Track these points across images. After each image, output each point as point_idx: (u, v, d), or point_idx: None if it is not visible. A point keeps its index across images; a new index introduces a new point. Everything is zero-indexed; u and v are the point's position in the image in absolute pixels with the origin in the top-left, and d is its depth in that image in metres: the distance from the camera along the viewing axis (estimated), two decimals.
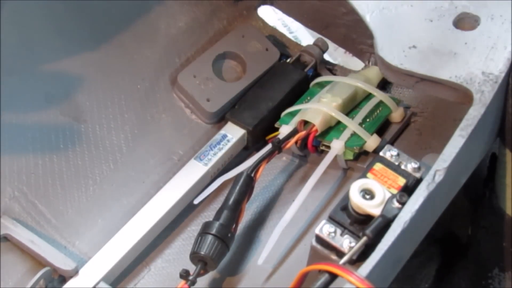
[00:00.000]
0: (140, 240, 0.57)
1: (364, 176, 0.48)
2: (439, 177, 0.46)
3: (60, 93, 0.63)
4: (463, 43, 0.53)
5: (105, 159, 0.61)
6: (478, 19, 0.53)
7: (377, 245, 0.44)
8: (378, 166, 0.49)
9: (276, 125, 0.62)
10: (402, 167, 0.49)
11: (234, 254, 0.58)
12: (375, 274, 0.43)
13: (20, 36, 0.63)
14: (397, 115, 0.62)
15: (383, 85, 0.66)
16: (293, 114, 0.62)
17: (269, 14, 0.75)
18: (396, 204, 0.45)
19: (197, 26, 0.69)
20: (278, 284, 0.56)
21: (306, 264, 0.49)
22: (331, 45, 0.70)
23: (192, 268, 0.53)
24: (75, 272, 0.54)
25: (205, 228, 0.55)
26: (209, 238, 0.54)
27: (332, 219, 0.47)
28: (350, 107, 0.62)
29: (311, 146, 0.60)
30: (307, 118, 0.60)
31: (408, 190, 0.47)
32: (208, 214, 0.61)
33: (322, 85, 0.65)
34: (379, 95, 0.62)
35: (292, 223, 0.57)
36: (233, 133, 0.62)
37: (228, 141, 0.62)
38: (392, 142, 0.61)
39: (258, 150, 0.60)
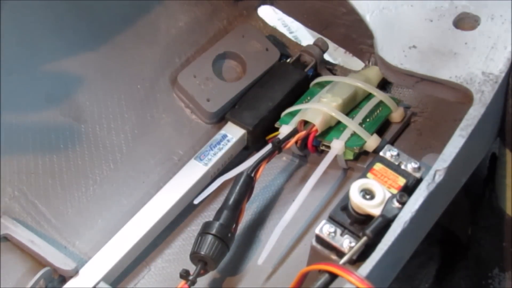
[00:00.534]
0: (140, 240, 0.57)
1: (364, 176, 0.48)
2: (439, 177, 0.46)
3: (60, 93, 0.63)
4: (463, 43, 0.53)
5: (105, 159, 0.61)
6: (478, 19, 0.53)
7: (377, 245, 0.44)
8: (378, 166, 0.49)
9: (276, 125, 0.62)
10: (402, 167, 0.49)
11: (234, 254, 0.58)
12: (375, 274, 0.43)
13: (20, 36, 0.63)
14: (397, 115, 0.62)
15: (383, 85, 0.66)
16: (293, 114, 0.62)
17: (269, 14, 0.75)
18: (396, 204, 0.45)
19: (197, 26, 0.69)
20: (278, 284, 0.56)
21: (306, 264, 0.49)
22: (331, 45, 0.70)
23: (192, 268, 0.53)
24: (75, 272, 0.54)
25: (205, 228, 0.55)
26: (209, 238, 0.54)
27: (332, 219, 0.47)
28: (350, 107, 0.62)
29: (311, 146, 0.60)
30: (307, 118, 0.60)
31: (408, 190, 0.47)
32: (208, 214, 0.61)
33: (322, 85, 0.65)
34: (379, 95, 0.62)
35: (292, 223, 0.57)
36: (233, 133, 0.62)
37: (228, 141, 0.62)
38: (392, 142, 0.61)
39: (258, 150, 0.60)
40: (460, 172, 0.51)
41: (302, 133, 0.60)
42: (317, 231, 0.47)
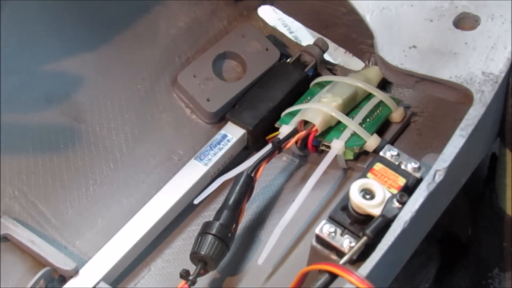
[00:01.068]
0: (140, 240, 0.57)
1: (364, 176, 0.48)
2: (439, 177, 0.46)
3: (60, 93, 0.63)
4: (463, 43, 0.53)
5: (105, 159, 0.61)
6: (478, 19, 0.53)
7: (377, 245, 0.44)
8: (378, 166, 0.49)
9: (276, 125, 0.62)
10: (402, 167, 0.49)
11: (234, 254, 0.58)
12: (375, 274, 0.43)
13: (20, 36, 0.63)
14: (397, 115, 0.62)
15: (383, 85, 0.66)
16: (293, 114, 0.62)
17: (269, 14, 0.75)
18: (396, 204, 0.45)
19: (197, 26, 0.69)
20: (278, 284, 0.56)
21: (306, 264, 0.49)
22: (331, 45, 0.70)
23: (192, 268, 0.53)
24: (75, 272, 0.54)
25: (205, 228, 0.55)
26: (209, 238, 0.54)
27: (332, 219, 0.47)
28: (350, 107, 0.62)
29: (311, 146, 0.60)
30: (307, 118, 0.60)
31: (408, 190, 0.47)
32: (208, 214, 0.61)
33: (322, 85, 0.65)
34: (379, 95, 0.62)
35: (292, 223, 0.56)
36: (233, 133, 0.62)
37: (228, 141, 0.62)
38: (392, 142, 0.61)
39: (258, 150, 0.60)
40: (460, 172, 0.51)
41: (302, 133, 0.60)
42: (317, 231, 0.47)
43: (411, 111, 0.63)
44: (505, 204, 0.58)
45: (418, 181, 0.48)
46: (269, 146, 0.59)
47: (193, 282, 0.52)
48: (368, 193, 0.46)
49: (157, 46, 0.67)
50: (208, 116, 0.65)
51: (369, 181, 0.47)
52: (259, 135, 0.63)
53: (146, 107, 0.65)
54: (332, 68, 0.69)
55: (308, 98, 0.64)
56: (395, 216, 0.45)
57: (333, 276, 0.43)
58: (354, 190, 0.46)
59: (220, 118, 0.65)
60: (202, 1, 0.70)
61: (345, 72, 0.68)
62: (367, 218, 0.46)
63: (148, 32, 0.68)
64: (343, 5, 0.64)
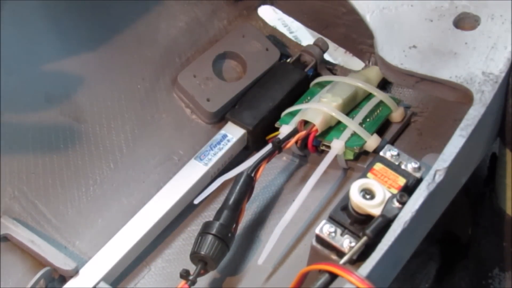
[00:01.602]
0: (140, 240, 0.57)
1: (364, 176, 0.48)
2: (439, 177, 0.46)
3: (60, 93, 0.63)
4: (463, 43, 0.53)
5: (105, 159, 0.61)
6: (478, 19, 0.53)
7: (377, 245, 0.44)
8: (378, 166, 0.49)
9: (276, 125, 0.62)
10: (402, 167, 0.49)
11: (234, 254, 0.58)
12: (375, 274, 0.42)
13: (20, 36, 0.63)
14: (397, 115, 0.62)
15: (383, 85, 0.66)
16: (293, 114, 0.62)
17: (269, 14, 0.75)
18: (396, 204, 0.45)
19: (197, 26, 0.69)
20: (278, 284, 0.56)
21: (306, 264, 0.49)
22: (331, 45, 0.70)
23: (192, 268, 0.53)
24: (75, 272, 0.54)
25: (205, 228, 0.55)
26: (209, 238, 0.54)
27: (332, 219, 0.47)
28: (350, 107, 0.62)
29: (311, 146, 0.60)
30: (307, 118, 0.60)
31: (408, 190, 0.47)
32: (208, 214, 0.61)
33: (322, 85, 0.65)
34: (379, 95, 0.62)
35: (292, 223, 0.57)
36: (233, 133, 0.62)
37: (228, 141, 0.62)
38: (392, 142, 0.61)
39: (258, 150, 0.60)
40: (460, 172, 0.51)
41: (302, 133, 0.60)
42: (317, 231, 0.47)
43: (411, 111, 0.63)
44: (505, 204, 0.58)
45: (418, 181, 0.48)
46: (269, 146, 0.59)
47: (193, 282, 0.52)
48: (368, 193, 0.46)
49: (157, 46, 0.67)
50: (208, 116, 0.65)
51: (369, 181, 0.47)
52: (259, 135, 0.63)
53: (146, 107, 0.65)
54: (332, 68, 0.69)
55: (308, 98, 0.64)
56: (395, 216, 0.45)
57: (333, 276, 0.43)
58: (354, 190, 0.46)
59: (220, 118, 0.65)
60: (202, 1, 0.70)
61: (345, 72, 0.68)
62: (367, 218, 0.46)
63: (148, 32, 0.68)
64: (343, 5, 0.64)
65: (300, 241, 0.58)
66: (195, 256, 0.54)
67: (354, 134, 0.60)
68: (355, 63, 0.71)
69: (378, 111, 0.62)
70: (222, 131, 0.63)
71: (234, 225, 0.56)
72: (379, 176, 0.48)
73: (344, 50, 0.72)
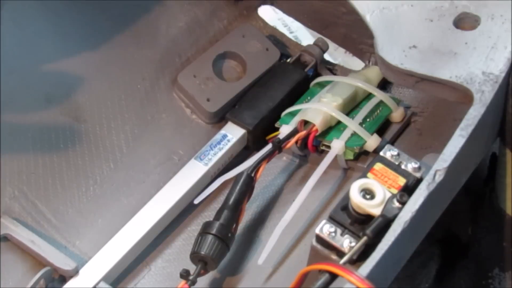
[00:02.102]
0: (140, 240, 0.57)
1: (364, 176, 0.48)
2: (439, 177, 0.46)
3: (60, 93, 0.63)
4: (464, 43, 0.53)
5: (105, 159, 0.61)
6: (478, 19, 0.54)
7: (377, 245, 0.44)
8: (378, 166, 0.49)
9: (276, 125, 0.62)
10: (403, 167, 0.49)
11: (234, 254, 0.58)
12: (375, 274, 0.43)
13: (20, 36, 0.63)
14: (397, 115, 0.62)
15: (383, 85, 0.66)
16: (293, 114, 0.62)
17: (269, 14, 0.75)
18: (396, 204, 0.45)
19: (197, 26, 0.69)
20: (278, 284, 0.56)
21: (307, 264, 0.49)
22: (331, 45, 0.70)
23: (192, 268, 0.53)
24: (75, 272, 0.54)
25: (206, 228, 0.55)
26: (210, 238, 0.54)
27: (332, 219, 0.47)
28: (351, 107, 0.62)
29: (311, 146, 0.60)
30: (307, 118, 0.60)
31: (408, 190, 0.47)
32: (208, 214, 0.61)
33: (322, 85, 0.65)
34: (379, 95, 0.62)
35: (292, 223, 0.56)
36: (233, 133, 0.62)
37: (229, 141, 0.62)
38: (392, 142, 0.61)
39: (258, 150, 0.60)
40: (460, 172, 0.51)
41: (302, 133, 0.60)
42: (317, 231, 0.47)
43: (411, 111, 0.63)
44: (505, 204, 0.58)
45: (418, 181, 0.48)
46: (269, 146, 0.59)
47: (193, 282, 0.52)
48: (368, 193, 0.46)
49: (157, 46, 0.67)
50: (208, 116, 0.65)
51: (369, 181, 0.47)
52: (259, 135, 0.63)
53: (146, 107, 0.65)
54: (332, 68, 0.69)
55: (308, 98, 0.64)
56: (395, 216, 0.45)
57: (333, 276, 0.43)
58: (354, 190, 0.46)
59: (220, 118, 0.65)
60: (202, 1, 0.70)
61: (345, 72, 0.68)
62: (367, 218, 0.46)
63: (148, 32, 0.68)
64: (343, 5, 0.64)
65: (300, 241, 0.58)
66: (195, 256, 0.54)
67: (354, 134, 0.60)
68: (355, 63, 0.71)
69: (378, 111, 0.62)
70: (222, 131, 0.63)
71: (234, 225, 0.56)
72: (379, 176, 0.48)
73: (344, 50, 0.72)
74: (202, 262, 0.54)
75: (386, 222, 0.45)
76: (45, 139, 0.60)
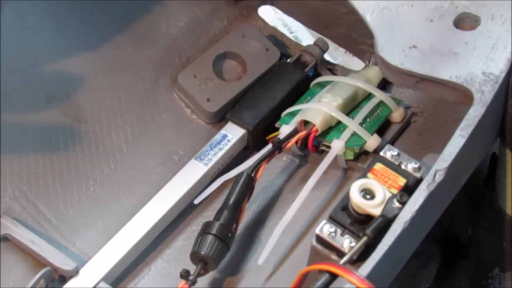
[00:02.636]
0: (140, 240, 0.57)
1: (364, 176, 0.48)
2: (439, 177, 0.46)
3: (60, 93, 0.63)
4: (464, 43, 0.53)
5: (105, 159, 0.61)
6: (478, 19, 0.54)
7: (377, 245, 0.44)
8: (378, 166, 0.49)
9: (276, 125, 0.62)
10: (403, 167, 0.49)
11: (234, 254, 0.58)
12: (375, 274, 0.43)
13: (20, 36, 0.63)
14: (397, 115, 0.62)
15: (384, 85, 0.66)
16: (293, 114, 0.62)
17: (269, 14, 0.75)
18: (396, 204, 0.45)
19: (197, 26, 0.69)
20: (278, 284, 0.56)
21: (307, 264, 0.49)
22: (332, 45, 0.70)
23: (192, 268, 0.53)
24: (75, 272, 0.54)
25: (206, 228, 0.55)
26: (210, 238, 0.54)
27: (332, 219, 0.47)
28: (351, 107, 0.62)
29: (312, 146, 0.60)
30: (307, 118, 0.60)
31: (408, 190, 0.47)
32: (209, 214, 0.61)
33: (322, 85, 0.65)
34: (379, 95, 0.62)
35: (293, 223, 0.56)
36: (234, 133, 0.62)
37: (229, 141, 0.62)
38: (392, 142, 0.61)
39: (258, 150, 0.60)
40: (460, 172, 0.51)
41: (302, 133, 0.60)
42: (317, 231, 0.47)
43: (411, 111, 0.63)
44: (505, 204, 0.58)
45: (418, 181, 0.48)
46: (269, 146, 0.59)
47: (193, 282, 0.52)
48: (368, 193, 0.46)
49: (157, 46, 0.67)
50: (208, 116, 0.65)
51: (369, 181, 0.47)
52: (259, 135, 0.63)
53: (146, 107, 0.65)
54: (332, 68, 0.69)
55: (308, 98, 0.64)
56: (395, 216, 0.45)
57: (333, 276, 0.43)
58: (354, 190, 0.46)
59: (220, 118, 0.65)
60: (202, 1, 0.70)
61: (345, 72, 0.68)
62: (367, 218, 0.46)
63: (148, 32, 0.68)
64: (343, 5, 0.64)
65: (300, 241, 0.58)
66: (195, 256, 0.54)
67: (354, 134, 0.60)
68: (355, 63, 0.71)
69: (378, 111, 0.62)
70: (222, 131, 0.63)
71: (234, 225, 0.56)
72: (379, 176, 0.48)
73: (344, 50, 0.72)
74: (202, 262, 0.54)
75: (386, 222, 0.45)
76: (45, 139, 0.61)
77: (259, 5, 0.72)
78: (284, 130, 0.61)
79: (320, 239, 0.47)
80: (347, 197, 0.47)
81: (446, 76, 0.51)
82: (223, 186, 0.59)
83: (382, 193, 0.46)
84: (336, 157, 0.59)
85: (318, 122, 0.59)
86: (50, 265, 0.54)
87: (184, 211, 0.60)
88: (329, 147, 0.60)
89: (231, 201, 0.56)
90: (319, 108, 0.60)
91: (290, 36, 0.74)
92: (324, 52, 0.68)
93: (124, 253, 0.56)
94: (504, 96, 0.52)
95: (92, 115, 0.63)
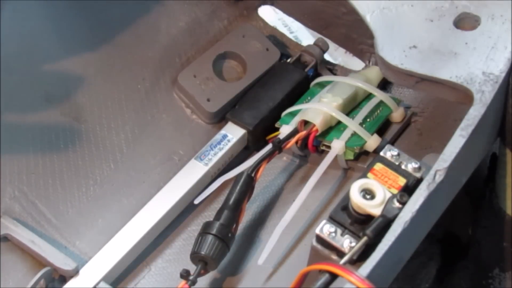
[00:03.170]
0: (140, 240, 0.57)
1: (364, 176, 0.48)
2: (439, 177, 0.46)
3: (60, 93, 0.63)
4: (464, 43, 0.53)
5: (105, 159, 0.61)
6: (478, 19, 0.54)
7: (377, 245, 0.44)
8: (378, 166, 0.49)
9: (276, 125, 0.62)
10: (403, 167, 0.49)
11: (234, 254, 0.58)
12: (375, 274, 0.43)
13: (20, 36, 0.63)
14: (397, 115, 0.62)
15: (384, 85, 0.66)
16: (293, 114, 0.62)
17: (269, 14, 0.75)
18: (396, 204, 0.45)
19: (197, 26, 0.69)
20: (278, 284, 0.56)
21: (307, 264, 0.49)
22: (332, 45, 0.70)
23: (192, 268, 0.53)
24: (75, 272, 0.54)
25: (206, 228, 0.55)
26: (210, 238, 0.54)
27: (332, 219, 0.47)
28: (351, 107, 0.62)
29: (312, 146, 0.60)
30: (307, 118, 0.60)
31: (408, 190, 0.47)
32: (209, 214, 0.61)
33: (322, 85, 0.65)
34: (379, 95, 0.62)
35: (293, 223, 0.56)
36: (234, 133, 0.62)
37: (229, 141, 0.62)
38: (392, 142, 0.61)
39: (258, 150, 0.60)
40: (460, 172, 0.51)
41: (302, 133, 0.60)
42: (317, 231, 0.47)
43: (411, 111, 0.63)
44: (505, 204, 0.58)
45: (419, 181, 0.48)
46: (269, 146, 0.59)
47: (194, 282, 0.52)
48: (368, 193, 0.46)
49: (157, 46, 0.67)
50: (208, 116, 0.65)
51: (370, 181, 0.47)
52: (259, 135, 0.63)
53: (146, 107, 0.65)
54: (332, 68, 0.69)
55: (309, 98, 0.64)
56: (395, 216, 0.45)
57: (333, 276, 0.43)
58: (355, 190, 0.46)
59: (220, 118, 0.65)
60: (202, 1, 0.70)
61: (345, 72, 0.68)
62: (368, 218, 0.46)
63: (148, 32, 0.68)
64: (343, 5, 0.64)
65: (300, 241, 0.58)
66: (195, 256, 0.54)
67: (354, 134, 0.60)
68: (355, 63, 0.71)
69: (378, 111, 0.62)
70: (222, 131, 0.63)
71: (234, 225, 0.56)
72: (379, 176, 0.48)
73: (344, 50, 0.72)
74: (202, 262, 0.54)
75: (386, 222, 0.45)
76: (45, 139, 0.61)
77: (259, 5, 0.72)
78: (284, 130, 0.61)
79: (320, 239, 0.47)
80: (347, 197, 0.47)
81: (446, 76, 0.51)
82: (223, 186, 0.59)
83: (382, 193, 0.46)
84: (336, 157, 0.59)
85: (318, 122, 0.59)
86: (50, 265, 0.54)
87: (184, 211, 0.60)
88: (329, 147, 0.60)
89: (231, 201, 0.56)
90: (319, 108, 0.60)
91: (290, 36, 0.74)
92: (324, 52, 0.68)
93: (124, 253, 0.56)
94: (504, 96, 0.52)
95: (92, 115, 0.63)
